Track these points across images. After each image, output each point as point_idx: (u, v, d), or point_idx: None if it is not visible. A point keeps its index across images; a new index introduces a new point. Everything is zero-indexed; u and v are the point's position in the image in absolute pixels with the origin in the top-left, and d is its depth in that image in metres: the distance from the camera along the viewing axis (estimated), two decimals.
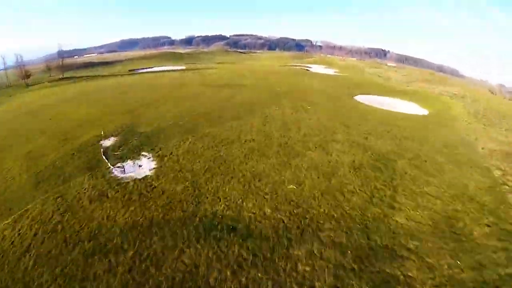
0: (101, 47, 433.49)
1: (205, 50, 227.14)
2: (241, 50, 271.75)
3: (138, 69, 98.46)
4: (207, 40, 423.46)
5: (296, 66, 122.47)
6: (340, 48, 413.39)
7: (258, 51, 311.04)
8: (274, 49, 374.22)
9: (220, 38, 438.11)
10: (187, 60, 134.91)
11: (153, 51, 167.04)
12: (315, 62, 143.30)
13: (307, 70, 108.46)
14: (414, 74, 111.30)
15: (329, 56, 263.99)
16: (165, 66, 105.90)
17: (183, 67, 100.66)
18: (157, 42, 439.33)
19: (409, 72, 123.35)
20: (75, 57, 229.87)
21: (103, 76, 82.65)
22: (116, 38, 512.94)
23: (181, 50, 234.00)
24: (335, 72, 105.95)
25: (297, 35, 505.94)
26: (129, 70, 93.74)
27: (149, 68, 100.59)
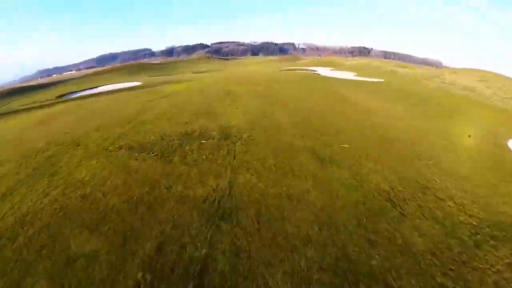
0: (80, 63, 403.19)
1: (184, 58, 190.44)
2: (224, 57, 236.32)
3: (75, 92, 63.54)
4: (188, 49, 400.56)
5: (297, 70, 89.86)
6: (324, 49, 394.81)
7: (241, 57, 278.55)
8: (258, 54, 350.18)
9: (202, 46, 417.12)
10: (156, 72, 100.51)
11: (116, 65, 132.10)
12: (314, 64, 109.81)
13: (317, 74, 76.57)
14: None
15: (320, 56, 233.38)
16: (119, 83, 71.15)
17: (139, 83, 65.83)
18: (137, 55, 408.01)
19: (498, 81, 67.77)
20: (53, 75, 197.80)
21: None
22: (95, 54, 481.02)
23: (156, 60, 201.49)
24: (356, 75, 74.17)
25: (279, 39, 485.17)
26: (57, 96, 58.30)
27: (93, 88, 65.42)
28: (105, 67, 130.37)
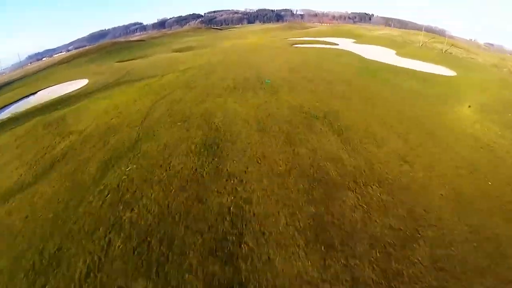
0: (70, 44, 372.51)
1: (169, 32, 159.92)
2: (217, 27, 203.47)
3: None
4: (181, 20, 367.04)
5: (313, 43, 67.71)
6: (323, 15, 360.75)
7: (236, 26, 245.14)
8: (253, 22, 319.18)
9: (195, 17, 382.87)
10: (130, 53, 76.35)
11: (83, 49, 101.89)
12: (327, 34, 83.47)
13: (348, 52, 53.73)
14: None
15: (326, 23, 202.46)
16: (60, 83, 47.67)
17: (80, 86, 41.46)
18: (128, 29, 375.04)
19: None
20: (43, 59, 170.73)
21: None
22: (86, 32, 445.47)
23: (133, 37, 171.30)
24: (398, 55, 50.69)
25: (275, 5, 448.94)
26: None
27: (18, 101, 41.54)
28: (55, 57, 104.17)
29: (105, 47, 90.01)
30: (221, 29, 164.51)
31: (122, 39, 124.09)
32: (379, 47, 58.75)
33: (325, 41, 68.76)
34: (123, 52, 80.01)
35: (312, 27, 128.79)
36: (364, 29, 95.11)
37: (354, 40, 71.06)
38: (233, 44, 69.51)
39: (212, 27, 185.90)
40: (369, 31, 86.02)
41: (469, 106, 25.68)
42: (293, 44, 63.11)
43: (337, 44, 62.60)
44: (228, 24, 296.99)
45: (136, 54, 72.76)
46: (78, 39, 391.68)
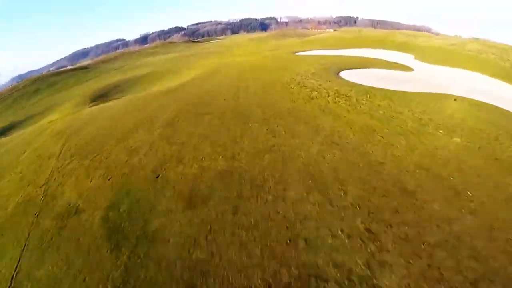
0: (53, 64, 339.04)
1: (132, 50, 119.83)
2: (197, 39, 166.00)
3: None
4: (163, 34, 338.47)
5: (360, 66, 34.73)
6: (307, 21, 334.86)
7: (220, 37, 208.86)
8: (237, 33, 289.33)
9: (178, 29, 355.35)
10: (32, 103, 43.95)
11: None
12: (348, 44, 51.98)
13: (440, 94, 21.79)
14: None
15: (317, 29, 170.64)
16: None
17: None
18: (110, 46, 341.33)
19: None
20: None
21: None
22: (66, 52, 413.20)
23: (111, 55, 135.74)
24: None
25: (259, 15, 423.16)
26: None
27: None
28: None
29: (20, 88, 54.08)
30: (202, 42, 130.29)
31: (78, 64, 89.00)
32: (495, 79, 26.43)
33: (366, 57, 36.96)
34: (38, 95, 46.55)
35: (310, 34, 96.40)
36: (401, 34, 60.43)
37: (412, 56, 38.92)
38: (216, 66, 36.56)
39: (191, 39, 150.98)
40: (415, 37, 52.42)
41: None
42: (338, 71, 29.99)
43: (412, 69, 30.42)
44: (211, 36, 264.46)
45: (31, 109, 38.95)
46: (61, 58, 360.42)
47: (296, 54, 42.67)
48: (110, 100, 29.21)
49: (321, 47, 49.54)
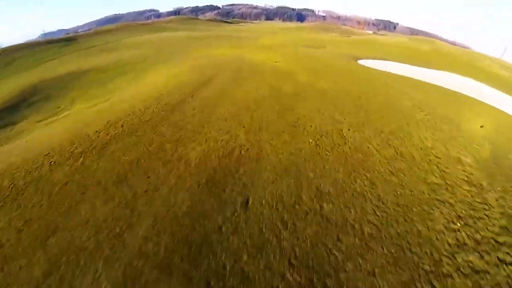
0: (84, 25, 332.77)
1: (136, 22, 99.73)
2: (226, 19, 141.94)
3: None
4: (197, 10, 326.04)
5: None
6: (345, 18, 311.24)
7: (254, 21, 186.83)
8: (272, 19, 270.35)
9: (211, 8, 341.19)
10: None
11: None
12: (444, 64, 36.72)
13: None
14: None
15: (357, 28, 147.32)
16: None
17: None
18: (142, 16, 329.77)
19: None
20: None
21: None
22: (100, 15, 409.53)
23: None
24: None
25: (296, 4, 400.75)
26: None
27: None
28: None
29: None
30: (230, 23, 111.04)
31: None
32: None
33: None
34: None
35: (356, 33, 76.08)
36: (485, 59, 40.73)
37: None
38: (216, 63, 19.20)
39: (222, 19, 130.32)
40: (500, 67, 33.35)
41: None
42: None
43: None
44: (245, 19, 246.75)
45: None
46: (94, 21, 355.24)
47: (359, 62, 24.12)
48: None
49: (391, 57, 30.52)
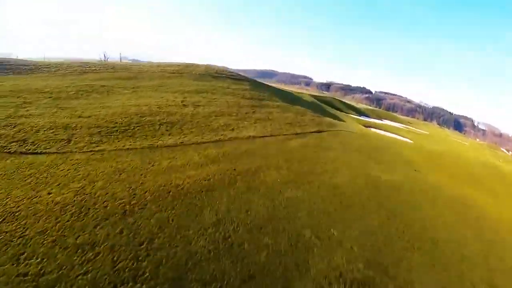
0: (246, 71, 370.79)
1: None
2: (371, 107, 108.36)
3: None
4: (347, 89, 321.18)
5: None
6: (508, 139, 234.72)
7: (407, 117, 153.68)
8: (426, 120, 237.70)
9: (362, 91, 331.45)
10: None
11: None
12: None
13: None
14: None
15: None
16: None
17: None
18: (295, 80, 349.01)
19: None
20: None
21: None
22: (256, 66, 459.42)
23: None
24: None
25: (454, 108, 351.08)
26: None
27: None
28: None
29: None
30: (365, 115, 64.58)
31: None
32: None
33: None
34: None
35: None
36: None
37: None
38: None
39: (373, 107, 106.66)
40: None
41: None
42: None
43: None
44: (396, 111, 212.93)
45: None
46: (253, 70, 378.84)
47: None
48: None
49: None
